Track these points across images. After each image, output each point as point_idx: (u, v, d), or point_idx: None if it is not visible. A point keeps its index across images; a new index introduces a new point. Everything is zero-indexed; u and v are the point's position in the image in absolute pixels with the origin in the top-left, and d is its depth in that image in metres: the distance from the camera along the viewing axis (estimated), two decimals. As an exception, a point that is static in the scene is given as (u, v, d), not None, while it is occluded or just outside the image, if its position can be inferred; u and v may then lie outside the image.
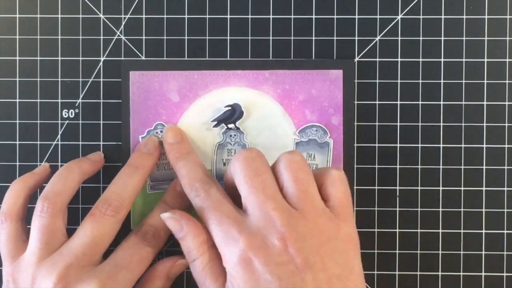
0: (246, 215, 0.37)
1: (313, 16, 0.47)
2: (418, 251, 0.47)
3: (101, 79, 0.47)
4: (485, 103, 0.47)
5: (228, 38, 0.47)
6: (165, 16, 0.47)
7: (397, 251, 0.47)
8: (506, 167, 0.47)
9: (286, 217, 0.36)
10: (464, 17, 0.47)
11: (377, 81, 0.47)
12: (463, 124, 0.47)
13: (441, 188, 0.47)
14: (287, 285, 0.35)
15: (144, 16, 0.47)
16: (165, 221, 0.41)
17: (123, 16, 0.47)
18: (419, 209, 0.47)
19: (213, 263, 0.39)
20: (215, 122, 0.46)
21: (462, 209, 0.47)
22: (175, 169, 0.43)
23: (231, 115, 0.46)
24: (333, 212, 0.38)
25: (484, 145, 0.47)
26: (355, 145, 0.47)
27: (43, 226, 0.40)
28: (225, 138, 0.46)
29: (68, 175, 0.43)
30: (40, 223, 0.40)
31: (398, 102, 0.47)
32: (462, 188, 0.47)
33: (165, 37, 0.47)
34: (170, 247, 0.46)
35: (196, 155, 0.44)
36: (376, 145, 0.47)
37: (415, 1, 0.47)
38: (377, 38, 0.47)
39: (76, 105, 0.47)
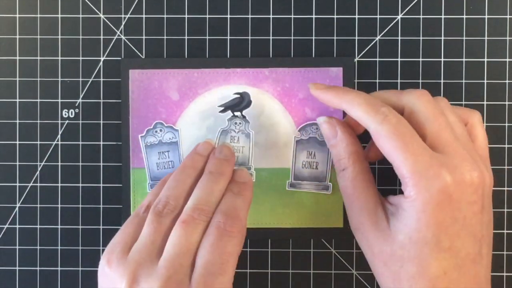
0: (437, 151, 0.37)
1: (313, 16, 0.47)
2: (419, 251, 0.47)
3: (101, 79, 0.47)
4: (485, 103, 0.47)
5: (228, 37, 0.47)
6: (165, 16, 0.47)
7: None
8: (506, 167, 0.47)
9: (478, 160, 0.37)
10: (464, 17, 0.47)
11: (377, 81, 0.47)
12: (463, 124, 0.47)
13: (441, 188, 0.47)
14: (470, 224, 0.36)
15: (144, 16, 0.47)
16: (320, 125, 0.41)
17: (123, 16, 0.47)
18: (419, 209, 0.47)
19: (364, 174, 0.38)
20: (222, 108, 0.46)
21: (462, 209, 0.47)
22: (342, 101, 0.40)
23: (239, 103, 0.46)
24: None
25: (484, 145, 0.47)
26: (355, 145, 0.46)
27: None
28: (229, 125, 0.46)
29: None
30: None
31: (398, 102, 0.47)
32: (462, 188, 0.47)
33: (165, 37, 0.47)
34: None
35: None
36: (376, 145, 0.47)
37: (415, 1, 0.47)
38: (377, 38, 0.47)
39: (76, 105, 0.47)
